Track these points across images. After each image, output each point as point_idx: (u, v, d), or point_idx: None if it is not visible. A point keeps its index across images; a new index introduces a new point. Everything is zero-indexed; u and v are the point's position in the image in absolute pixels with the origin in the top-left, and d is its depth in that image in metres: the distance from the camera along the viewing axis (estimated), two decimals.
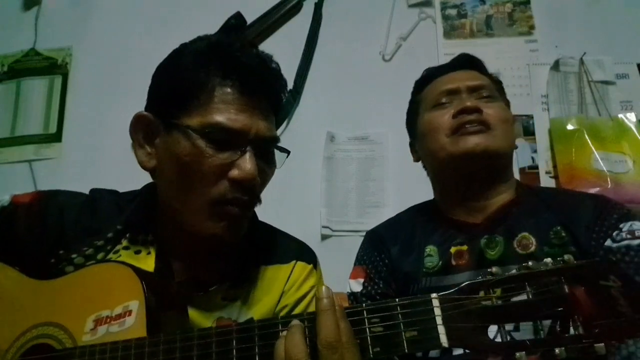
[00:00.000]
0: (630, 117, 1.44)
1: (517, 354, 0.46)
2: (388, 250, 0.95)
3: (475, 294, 0.50)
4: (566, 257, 0.49)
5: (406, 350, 0.50)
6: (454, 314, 0.50)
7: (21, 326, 0.68)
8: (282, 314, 0.78)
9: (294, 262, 0.82)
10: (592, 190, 1.33)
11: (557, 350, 0.46)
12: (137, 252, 0.75)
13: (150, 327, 0.62)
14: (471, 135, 0.88)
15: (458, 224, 0.92)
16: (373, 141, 1.54)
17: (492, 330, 0.49)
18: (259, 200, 0.76)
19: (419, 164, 1.05)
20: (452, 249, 0.88)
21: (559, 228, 0.84)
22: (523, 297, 0.48)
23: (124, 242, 0.76)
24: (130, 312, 0.63)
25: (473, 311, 0.49)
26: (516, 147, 0.97)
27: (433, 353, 0.82)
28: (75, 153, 1.66)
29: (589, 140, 1.42)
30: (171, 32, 1.68)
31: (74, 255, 0.74)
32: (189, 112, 0.69)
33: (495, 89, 0.97)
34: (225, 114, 0.68)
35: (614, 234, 0.80)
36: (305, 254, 0.85)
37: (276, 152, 0.77)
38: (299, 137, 1.56)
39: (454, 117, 0.90)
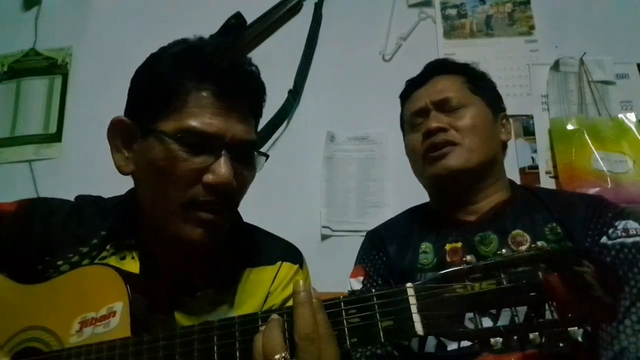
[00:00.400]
0: (630, 117, 1.44)
1: (492, 340, 0.47)
2: (386, 249, 0.97)
3: (450, 283, 0.50)
4: (539, 244, 0.50)
5: (382, 340, 0.51)
6: (429, 303, 0.50)
7: (9, 330, 0.69)
8: None
9: (279, 263, 0.82)
10: (592, 191, 1.33)
11: (531, 336, 0.46)
12: (123, 258, 0.76)
13: (134, 328, 0.62)
14: (438, 160, 0.91)
15: (453, 222, 0.93)
16: (373, 141, 1.54)
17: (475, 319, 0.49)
18: (235, 204, 0.76)
19: None
20: (447, 246, 0.90)
21: (554, 224, 0.85)
22: (498, 284, 0.48)
23: (110, 249, 0.76)
24: (114, 313, 0.64)
25: (448, 299, 0.49)
26: (506, 140, 0.99)
27: (429, 348, 0.83)
28: (75, 153, 1.66)
29: (589, 140, 1.42)
30: (171, 32, 1.67)
31: (60, 262, 0.75)
32: (165, 117, 0.68)
33: (469, 89, 0.96)
34: (199, 118, 0.67)
35: (610, 231, 0.81)
36: (291, 254, 0.85)
37: (258, 156, 0.76)
38: (299, 137, 1.56)
39: (423, 139, 0.93)
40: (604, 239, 0.81)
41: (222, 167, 0.68)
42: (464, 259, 0.51)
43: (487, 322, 0.49)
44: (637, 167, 1.38)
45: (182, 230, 0.69)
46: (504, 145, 0.99)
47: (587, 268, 0.47)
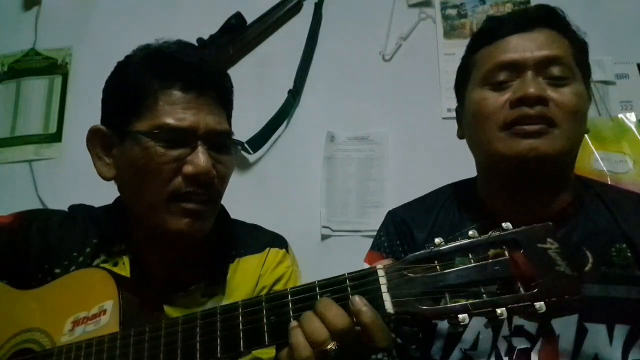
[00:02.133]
0: (630, 117, 1.44)
1: (460, 316, 0.48)
2: (412, 237, 0.85)
3: (420, 264, 0.52)
4: (504, 225, 0.51)
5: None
6: (399, 283, 0.52)
7: (6, 334, 0.71)
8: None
9: (267, 249, 0.86)
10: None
11: (498, 311, 0.48)
12: (115, 264, 0.79)
13: (124, 324, 0.64)
14: (527, 137, 0.72)
15: (502, 222, 0.83)
16: (373, 141, 1.54)
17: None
18: (219, 194, 0.78)
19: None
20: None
21: (623, 246, 0.73)
22: (466, 264, 0.51)
23: (102, 256, 0.79)
24: (105, 311, 0.66)
25: (417, 280, 0.51)
26: (588, 132, 0.82)
27: (435, 351, 0.80)
28: (75, 153, 1.66)
29: (589, 140, 1.42)
30: (171, 32, 1.68)
31: (57, 270, 0.77)
32: (138, 118, 0.72)
33: (575, 60, 0.78)
34: (171, 114, 0.71)
35: None
36: (277, 241, 0.89)
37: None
38: (299, 137, 1.56)
39: (511, 106, 0.73)
40: None
41: (200, 157, 0.71)
42: (433, 242, 0.53)
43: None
44: (637, 167, 1.38)
45: (168, 223, 0.72)
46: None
47: (551, 244, 0.48)
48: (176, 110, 0.71)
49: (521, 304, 0.47)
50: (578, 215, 0.78)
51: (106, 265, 0.78)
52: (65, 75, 1.76)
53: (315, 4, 1.67)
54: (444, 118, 1.45)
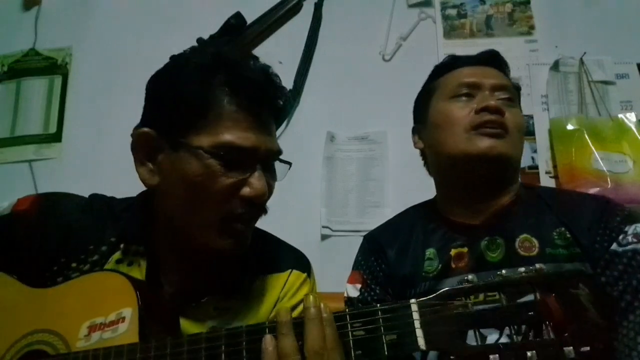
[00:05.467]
0: (630, 117, 1.44)
1: (491, 357, 0.49)
2: (385, 254, 0.93)
3: (453, 300, 0.53)
4: (537, 266, 0.52)
5: (386, 353, 0.53)
6: (431, 319, 0.52)
7: (17, 333, 0.69)
8: None
9: (289, 270, 0.83)
10: (592, 190, 1.33)
11: (529, 354, 0.48)
12: (130, 264, 0.76)
13: (142, 334, 0.62)
14: (489, 137, 0.85)
15: (457, 226, 0.90)
16: (373, 141, 1.54)
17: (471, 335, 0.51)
18: (264, 213, 0.77)
19: (419, 162, 1.04)
20: (452, 251, 0.87)
21: (562, 229, 0.82)
22: (498, 304, 0.51)
23: (117, 254, 0.76)
24: (123, 318, 0.64)
25: (450, 316, 0.52)
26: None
27: (431, 357, 0.82)
28: (75, 153, 1.66)
29: (589, 140, 1.42)
30: (171, 32, 1.69)
31: (74, 264, 0.75)
32: (197, 131, 0.68)
33: (515, 94, 0.94)
34: (235, 132, 0.68)
35: (620, 237, 0.78)
36: (300, 262, 0.86)
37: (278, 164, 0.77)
38: (299, 137, 1.56)
39: (476, 112, 0.87)
40: (614, 246, 0.78)
41: (259, 181, 0.69)
42: (466, 278, 0.54)
43: (489, 340, 0.51)
44: (637, 167, 1.38)
45: (215, 242, 0.70)
46: None
47: (582, 291, 0.50)
48: (240, 129, 0.68)
49: (551, 348, 0.48)
50: (520, 211, 0.88)
51: (121, 266, 0.75)
52: (65, 75, 1.76)
53: (315, 4, 1.67)
54: None
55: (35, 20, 1.81)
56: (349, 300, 0.92)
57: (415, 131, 1.02)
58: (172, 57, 0.76)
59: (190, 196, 0.69)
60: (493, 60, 0.96)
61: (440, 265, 0.86)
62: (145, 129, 0.71)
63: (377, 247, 0.96)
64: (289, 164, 0.77)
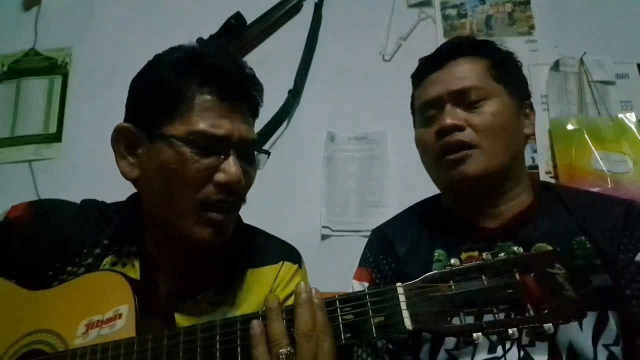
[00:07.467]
0: (630, 117, 1.44)
1: (475, 335, 0.52)
2: (395, 251, 0.91)
3: (437, 283, 0.55)
4: (516, 249, 0.55)
5: (374, 334, 0.55)
6: (417, 301, 0.55)
7: (15, 334, 0.70)
8: None
9: (281, 262, 0.84)
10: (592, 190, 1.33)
11: (510, 331, 0.51)
12: (124, 265, 0.77)
13: (139, 330, 0.63)
14: (454, 165, 0.82)
15: (470, 228, 0.87)
16: (373, 141, 1.54)
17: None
18: (243, 201, 0.78)
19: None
20: (463, 255, 0.83)
21: (582, 238, 0.79)
22: (480, 285, 0.54)
23: (111, 257, 0.77)
24: (120, 315, 0.65)
25: (435, 298, 0.55)
26: (529, 134, 0.89)
27: (423, 354, 0.82)
28: (75, 153, 1.66)
29: (589, 140, 1.42)
30: (171, 32, 1.68)
31: (69, 268, 0.76)
32: (172, 121, 0.70)
33: (492, 77, 0.86)
34: (207, 120, 0.70)
35: None
36: (291, 254, 0.87)
37: (259, 154, 0.78)
38: (299, 137, 1.56)
39: (436, 138, 0.84)
40: (638, 257, 0.75)
41: (232, 166, 0.70)
42: (449, 262, 0.56)
43: (470, 320, 0.53)
44: (637, 167, 1.38)
45: (193, 231, 0.71)
46: (525, 139, 0.89)
47: (559, 270, 0.52)
48: (211, 117, 0.70)
49: (531, 325, 0.51)
50: (538, 215, 0.84)
51: (116, 268, 0.76)
52: (65, 75, 1.76)
53: (315, 4, 1.67)
54: None
55: (35, 20, 1.81)
56: None
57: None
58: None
59: (166, 185, 0.71)
60: (455, 52, 0.88)
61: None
62: (124, 124, 0.75)
63: (386, 244, 0.93)
64: (268, 153, 0.79)
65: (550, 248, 0.78)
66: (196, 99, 0.70)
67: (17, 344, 0.69)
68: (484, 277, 0.54)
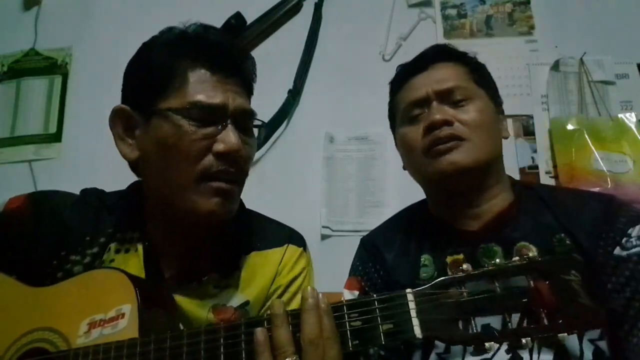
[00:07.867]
0: (630, 117, 1.44)
1: (487, 344, 0.50)
2: (383, 259, 0.91)
3: (447, 289, 0.53)
4: (530, 254, 0.53)
5: (383, 342, 0.53)
6: (427, 308, 0.53)
7: (17, 332, 0.69)
8: (276, 294, 0.81)
9: (286, 245, 0.85)
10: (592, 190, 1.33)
11: (523, 341, 0.49)
12: (127, 251, 0.77)
13: (142, 329, 0.63)
14: (444, 154, 0.82)
15: (453, 231, 0.88)
16: (373, 141, 1.54)
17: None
18: (246, 174, 0.78)
19: None
20: (448, 259, 0.84)
21: (562, 235, 0.80)
22: (492, 292, 0.52)
23: (115, 244, 0.77)
24: (123, 314, 0.65)
25: (445, 305, 0.52)
26: (506, 137, 0.92)
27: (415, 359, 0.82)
28: (75, 153, 1.66)
29: (589, 140, 1.42)
30: None
31: (73, 257, 0.75)
32: (166, 97, 0.71)
33: (474, 81, 0.89)
34: (202, 92, 0.70)
35: (623, 240, 0.76)
36: (295, 238, 0.88)
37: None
38: (299, 137, 1.56)
39: (424, 134, 0.85)
40: (617, 250, 0.75)
41: (231, 136, 0.70)
42: (461, 267, 0.54)
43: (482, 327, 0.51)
44: (637, 167, 1.38)
45: (198, 203, 0.71)
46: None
47: (574, 276, 0.50)
48: (206, 89, 0.71)
49: (545, 334, 0.49)
50: (519, 215, 0.85)
51: (120, 254, 0.76)
52: (65, 75, 1.76)
53: (315, 4, 1.67)
54: None
55: (35, 20, 1.81)
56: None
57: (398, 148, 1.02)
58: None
59: (166, 160, 0.71)
60: (438, 56, 0.92)
61: (436, 273, 0.85)
62: (120, 105, 0.75)
63: (374, 252, 0.94)
64: (263, 123, 0.79)
65: (531, 246, 0.80)
66: (189, 73, 0.71)
67: (19, 342, 0.69)
68: (496, 283, 0.52)
